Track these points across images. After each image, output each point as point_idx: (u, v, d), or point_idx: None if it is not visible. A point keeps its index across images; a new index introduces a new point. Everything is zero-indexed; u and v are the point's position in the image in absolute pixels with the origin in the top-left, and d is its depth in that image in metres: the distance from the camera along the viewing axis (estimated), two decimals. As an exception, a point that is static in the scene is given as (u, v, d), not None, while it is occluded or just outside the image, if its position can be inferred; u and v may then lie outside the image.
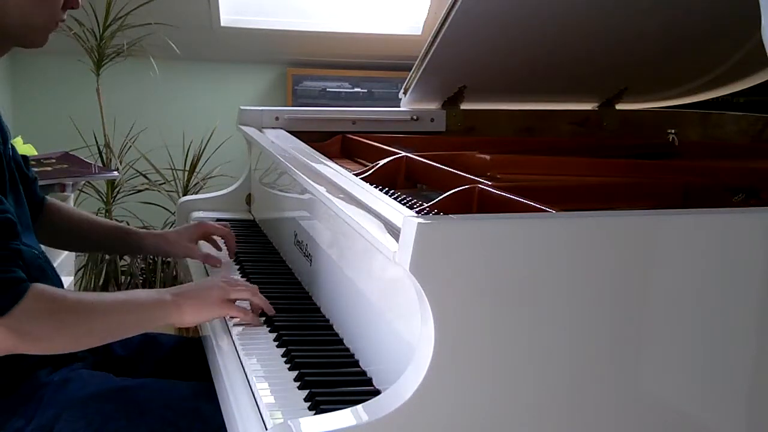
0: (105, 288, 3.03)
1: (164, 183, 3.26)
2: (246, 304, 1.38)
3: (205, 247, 1.76)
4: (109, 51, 3.14)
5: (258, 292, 1.39)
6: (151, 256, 3.11)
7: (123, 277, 3.15)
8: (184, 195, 3.15)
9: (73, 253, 2.52)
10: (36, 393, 1.35)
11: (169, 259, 3.07)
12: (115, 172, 2.87)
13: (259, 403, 1.10)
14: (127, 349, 1.60)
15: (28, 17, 1.37)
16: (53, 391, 1.35)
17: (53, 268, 1.49)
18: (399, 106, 2.22)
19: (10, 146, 1.50)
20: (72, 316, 1.24)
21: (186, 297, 1.31)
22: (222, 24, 3.52)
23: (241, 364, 1.23)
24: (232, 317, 1.37)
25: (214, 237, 1.78)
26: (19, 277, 1.21)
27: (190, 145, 3.29)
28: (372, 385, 1.16)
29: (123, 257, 3.12)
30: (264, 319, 1.39)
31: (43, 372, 1.39)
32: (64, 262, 2.42)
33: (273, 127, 2.08)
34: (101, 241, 1.72)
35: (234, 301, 1.35)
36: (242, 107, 2.13)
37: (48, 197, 1.69)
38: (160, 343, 1.66)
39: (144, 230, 1.74)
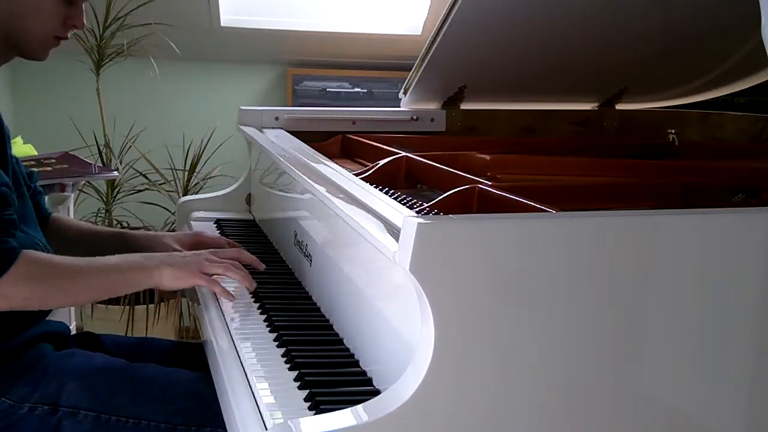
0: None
1: (164, 183, 3.25)
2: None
3: None
4: (109, 51, 3.14)
5: (233, 268, 1.43)
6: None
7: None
8: (184, 195, 3.15)
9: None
10: (41, 362, 1.38)
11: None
12: (115, 172, 2.86)
13: (259, 403, 1.10)
14: (123, 348, 1.61)
15: (26, 29, 1.39)
16: (58, 361, 1.40)
17: None
18: (399, 106, 2.22)
19: (10, 148, 1.51)
20: (60, 279, 1.33)
21: (167, 264, 1.40)
22: (222, 24, 3.51)
23: (241, 364, 1.23)
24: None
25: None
26: (11, 246, 1.27)
27: (190, 145, 3.29)
28: (372, 385, 1.16)
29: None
30: (264, 318, 1.39)
31: (47, 346, 1.43)
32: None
33: (273, 127, 2.08)
34: (104, 250, 1.72)
35: (212, 274, 1.42)
36: (242, 107, 2.13)
37: (54, 213, 1.72)
38: (157, 346, 1.67)
39: (142, 232, 1.75)
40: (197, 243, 1.72)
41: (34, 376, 1.35)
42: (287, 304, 1.46)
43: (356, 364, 1.23)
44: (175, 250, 1.63)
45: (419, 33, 3.65)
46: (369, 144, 1.93)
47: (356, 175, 1.54)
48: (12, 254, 1.27)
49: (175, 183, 3.26)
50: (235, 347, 1.29)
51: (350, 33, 3.65)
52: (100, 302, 2.92)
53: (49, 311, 1.50)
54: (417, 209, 1.30)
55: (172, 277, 1.39)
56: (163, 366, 1.46)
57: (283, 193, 1.80)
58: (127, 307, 2.92)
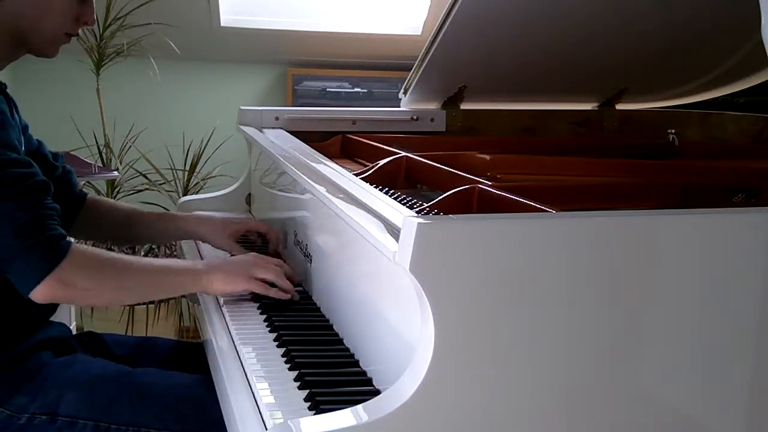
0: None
1: (164, 183, 3.26)
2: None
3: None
4: (109, 51, 3.14)
5: (283, 275, 1.44)
6: (153, 253, 3.11)
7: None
8: (184, 195, 3.15)
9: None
10: (40, 371, 1.38)
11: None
12: (115, 172, 2.86)
13: (259, 403, 1.10)
14: (125, 348, 1.62)
15: (38, 26, 1.40)
16: (57, 370, 1.39)
17: None
18: (399, 106, 2.22)
19: (21, 139, 1.51)
20: (111, 271, 1.33)
21: (216, 269, 1.41)
22: (222, 24, 3.52)
23: (241, 364, 1.23)
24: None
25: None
26: (61, 233, 1.28)
27: (190, 145, 3.29)
28: (372, 385, 1.16)
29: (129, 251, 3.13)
30: (264, 318, 1.39)
31: (46, 354, 1.42)
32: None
33: (273, 127, 2.08)
34: (147, 231, 1.75)
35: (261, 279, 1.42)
36: (242, 107, 2.13)
37: (89, 194, 1.72)
38: (158, 346, 1.67)
39: (186, 214, 1.78)
40: (245, 232, 1.75)
41: (33, 386, 1.35)
42: (287, 304, 1.46)
43: (356, 364, 1.23)
44: (227, 243, 1.67)
45: (419, 33, 3.65)
46: (369, 144, 1.93)
47: (356, 175, 1.54)
48: (65, 242, 1.27)
49: (175, 183, 3.27)
50: (235, 347, 1.29)
51: (350, 33, 3.65)
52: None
53: (50, 316, 1.49)
54: (417, 209, 1.30)
55: (224, 281, 1.39)
56: (163, 369, 1.46)
57: (283, 193, 1.80)
58: (127, 307, 2.92)
